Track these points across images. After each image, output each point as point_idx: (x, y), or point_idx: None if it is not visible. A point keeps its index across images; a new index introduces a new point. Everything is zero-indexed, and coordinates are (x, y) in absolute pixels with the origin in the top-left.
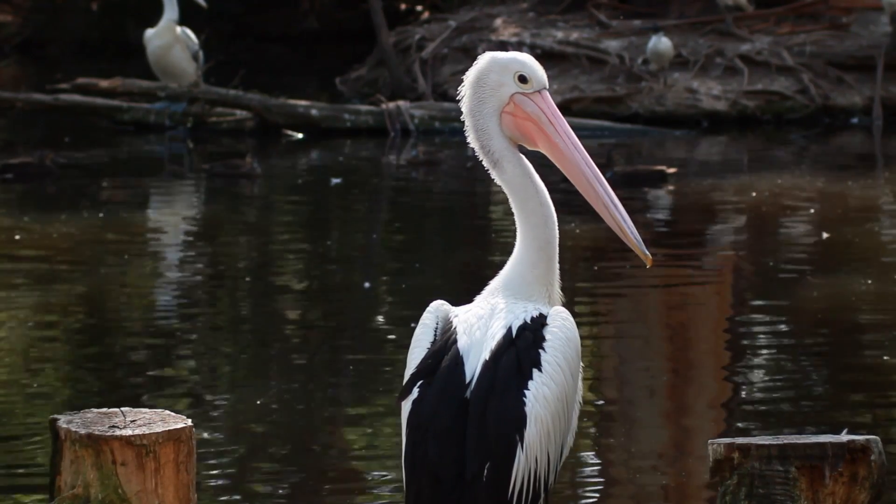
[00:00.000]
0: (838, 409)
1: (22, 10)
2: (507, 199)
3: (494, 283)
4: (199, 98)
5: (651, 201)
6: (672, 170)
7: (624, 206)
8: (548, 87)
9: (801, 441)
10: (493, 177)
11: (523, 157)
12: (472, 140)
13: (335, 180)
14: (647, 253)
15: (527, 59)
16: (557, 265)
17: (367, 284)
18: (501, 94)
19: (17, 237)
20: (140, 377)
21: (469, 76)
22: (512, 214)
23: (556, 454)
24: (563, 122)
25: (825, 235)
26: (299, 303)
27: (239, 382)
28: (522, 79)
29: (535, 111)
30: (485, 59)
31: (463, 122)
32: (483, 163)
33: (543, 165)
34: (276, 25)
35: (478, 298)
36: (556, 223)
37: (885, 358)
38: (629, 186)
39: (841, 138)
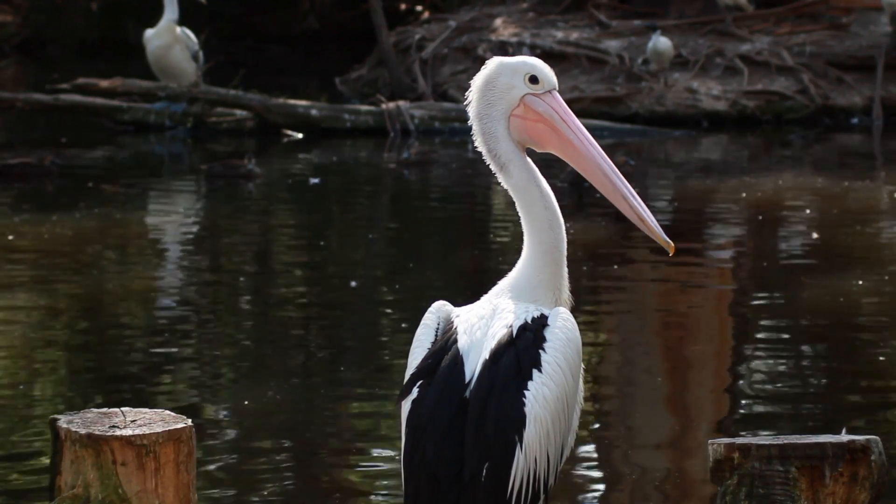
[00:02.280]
0: (838, 408)
1: (22, 10)
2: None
3: (501, 285)
4: (199, 98)
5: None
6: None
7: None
8: (557, 87)
9: (802, 441)
10: (499, 180)
11: (530, 160)
12: (479, 144)
13: (314, 180)
14: (669, 241)
15: (536, 62)
16: (566, 269)
17: (353, 283)
18: (511, 96)
19: (12, 237)
20: (140, 377)
21: (477, 80)
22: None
23: (556, 455)
24: (575, 120)
25: (815, 236)
26: (297, 303)
27: (238, 381)
28: (533, 80)
29: (548, 110)
30: (493, 63)
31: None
32: (490, 166)
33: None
34: (276, 25)
35: (482, 299)
36: (563, 227)
37: (882, 358)
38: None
39: (841, 138)
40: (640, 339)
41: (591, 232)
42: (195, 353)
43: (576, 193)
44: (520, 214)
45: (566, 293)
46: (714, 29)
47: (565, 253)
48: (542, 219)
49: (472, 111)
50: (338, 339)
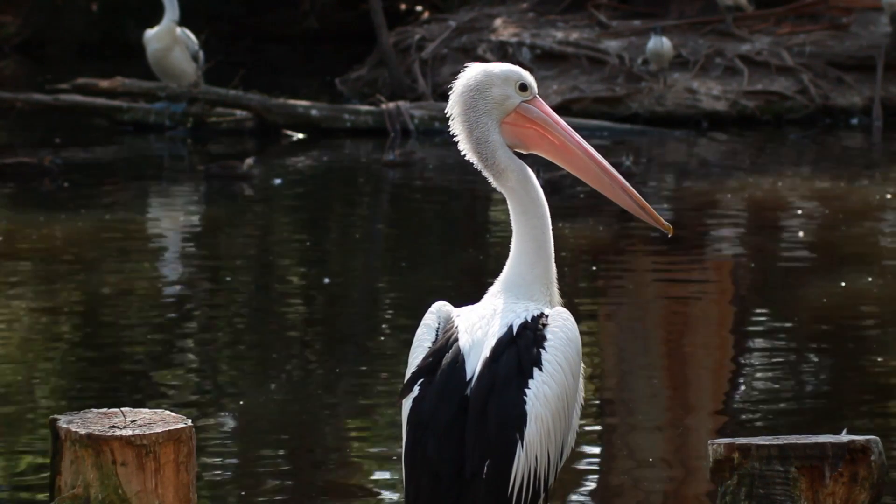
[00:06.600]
0: (838, 409)
1: (22, 10)
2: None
3: (496, 286)
4: (199, 98)
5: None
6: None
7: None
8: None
9: (802, 441)
10: (493, 184)
11: (522, 161)
12: (469, 152)
13: (277, 181)
14: (668, 224)
15: (521, 70)
16: (554, 265)
17: (326, 280)
18: (506, 106)
19: (11, 237)
20: (140, 377)
21: (461, 89)
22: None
23: (557, 453)
24: (564, 124)
25: (814, 236)
26: (295, 302)
27: (238, 382)
28: (523, 87)
29: (541, 116)
30: (477, 72)
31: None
32: (483, 172)
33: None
34: (276, 26)
35: (482, 300)
36: (550, 223)
37: (881, 359)
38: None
39: (841, 138)
40: (641, 338)
41: (586, 231)
42: (194, 353)
43: (554, 193)
44: (511, 213)
45: (556, 289)
46: (714, 29)
47: (553, 249)
48: (538, 216)
49: (459, 121)
50: (336, 339)
